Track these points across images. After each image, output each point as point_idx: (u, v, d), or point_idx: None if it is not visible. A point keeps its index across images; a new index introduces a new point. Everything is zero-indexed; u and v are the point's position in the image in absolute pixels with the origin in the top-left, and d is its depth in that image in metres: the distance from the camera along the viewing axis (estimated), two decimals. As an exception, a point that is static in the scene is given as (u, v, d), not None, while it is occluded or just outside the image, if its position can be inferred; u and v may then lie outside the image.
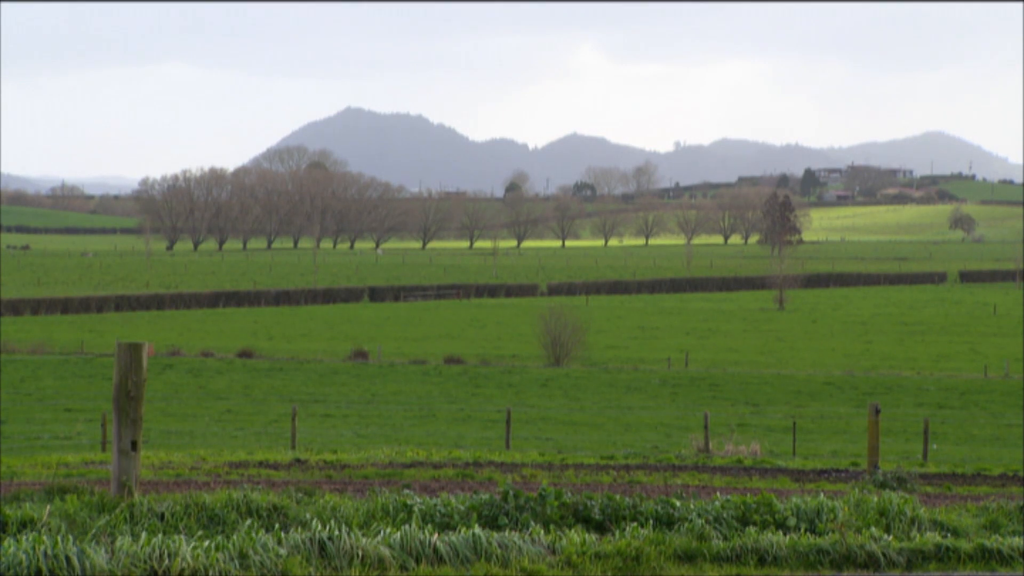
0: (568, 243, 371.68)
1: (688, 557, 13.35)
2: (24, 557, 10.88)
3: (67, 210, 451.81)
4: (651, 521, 14.35)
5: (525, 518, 13.93)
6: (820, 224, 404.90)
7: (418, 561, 12.22)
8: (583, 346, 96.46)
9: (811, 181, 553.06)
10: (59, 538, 11.39)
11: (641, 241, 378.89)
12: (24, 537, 11.51)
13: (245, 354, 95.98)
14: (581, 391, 76.12)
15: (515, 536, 12.95)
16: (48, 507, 13.19)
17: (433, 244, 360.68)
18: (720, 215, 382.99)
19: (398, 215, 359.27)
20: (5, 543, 11.24)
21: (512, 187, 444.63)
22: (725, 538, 13.96)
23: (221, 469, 25.47)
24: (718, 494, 16.69)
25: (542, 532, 13.37)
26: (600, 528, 14.22)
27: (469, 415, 63.72)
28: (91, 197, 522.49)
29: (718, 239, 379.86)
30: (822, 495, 16.25)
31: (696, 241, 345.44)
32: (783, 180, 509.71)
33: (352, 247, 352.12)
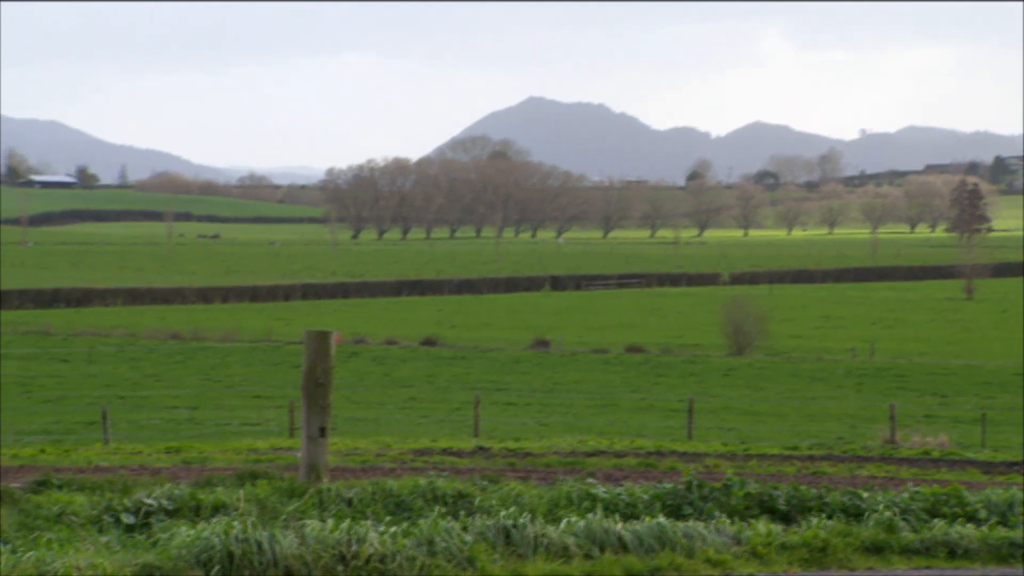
0: (751, 232, 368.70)
1: (876, 549, 13.17)
2: (217, 541, 11.09)
3: (255, 200, 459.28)
4: (838, 512, 14.18)
5: (709, 508, 13.85)
6: (1010, 213, 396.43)
7: (602, 550, 12.21)
8: (766, 335, 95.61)
9: (1001, 169, 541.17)
10: (250, 523, 11.58)
11: (825, 230, 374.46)
12: (217, 521, 11.73)
13: (428, 342, 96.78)
14: (764, 381, 75.49)
15: (700, 526, 12.89)
16: (240, 492, 13.43)
17: (614, 233, 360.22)
18: (906, 203, 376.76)
19: (579, 204, 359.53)
20: (199, 527, 11.48)
21: (694, 176, 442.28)
22: (914, 530, 13.75)
23: (406, 456, 25.72)
24: (909, 484, 16.44)
25: (727, 522, 13.29)
26: (785, 519, 14.09)
27: (651, 404, 63.55)
28: (279, 187, 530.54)
29: (904, 228, 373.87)
30: (1014, 488, 15.93)
31: (881, 230, 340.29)
32: (972, 168, 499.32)
33: (534, 236, 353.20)
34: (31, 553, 10.79)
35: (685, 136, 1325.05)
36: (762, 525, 13.28)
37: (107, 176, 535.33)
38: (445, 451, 27.24)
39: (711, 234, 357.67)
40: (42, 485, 14.34)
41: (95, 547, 11.31)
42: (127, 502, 12.87)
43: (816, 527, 13.42)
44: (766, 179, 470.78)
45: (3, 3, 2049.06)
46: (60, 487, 14.23)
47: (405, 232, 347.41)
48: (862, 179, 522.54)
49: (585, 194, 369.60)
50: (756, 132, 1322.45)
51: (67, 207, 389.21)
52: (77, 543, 11.38)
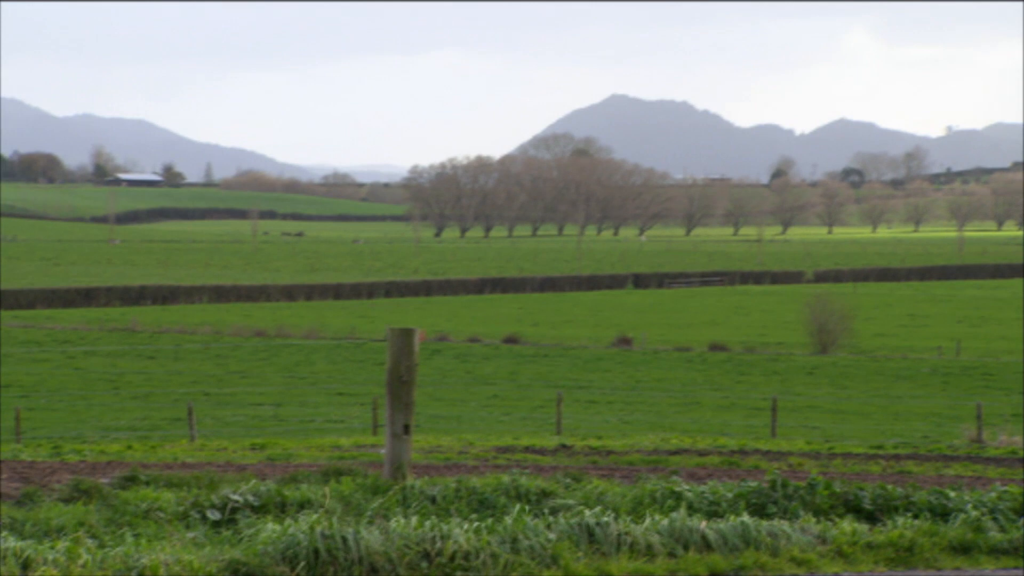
0: (835, 230, 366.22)
1: (963, 549, 13.06)
2: (302, 537, 11.16)
3: (339, 198, 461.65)
4: (924, 512, 14.07)
5: (794, 507, 13.79)
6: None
7: (686, 548, 12.19)
8: (850, 334, 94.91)
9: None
10: (335, 519, 11.65)
11: (910, 228, 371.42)
12: (302, 518, 11.80)
13: (511, 340, 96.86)
14: (848, 379, 74.98)
15: (784, 525, 12.82)
16: (325, 489, 13.51)
17: (697, 231, 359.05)
18: (993, 201, 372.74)
19: (662, 202, 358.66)
20: (285, 523, 11.56)
21: (777, 173, 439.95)
22: (1002, 530, 13.62)
23: (488, 453, 25.75)
24: (996, 483, 16.28)
25: (812, 521, 13.23)
26: (871, 518, 14.00)
27: (733, 403, 63.30)
28: (362, 185, 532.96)
29: (991, 226, 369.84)
30: (1104, 488, 15.73)
31: (968, 228, 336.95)
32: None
33: (616, 234, 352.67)
34: (119, 548, 10.90)
35: (769, 133, 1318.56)
36: (847, 524, 13.20)
37: (193, 174, 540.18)
38: (527, 449, 27.26)
39: (795, 232, 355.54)
40: (130, 481, 14.49)
41: (182, 543, 11.41)
42: (213, 498, 12.99)
43: (902, 527, 13.32)
44: (851, 177, 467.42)
45: (93, 4, 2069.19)
46: (147, 483, 14.37)
47: (487, 230, 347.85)
48: (948, 176, 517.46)
49: (668, 192, 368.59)
50: (841, 129, 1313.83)
51: (154, 205, 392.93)
52: (164, 539, 11.49)
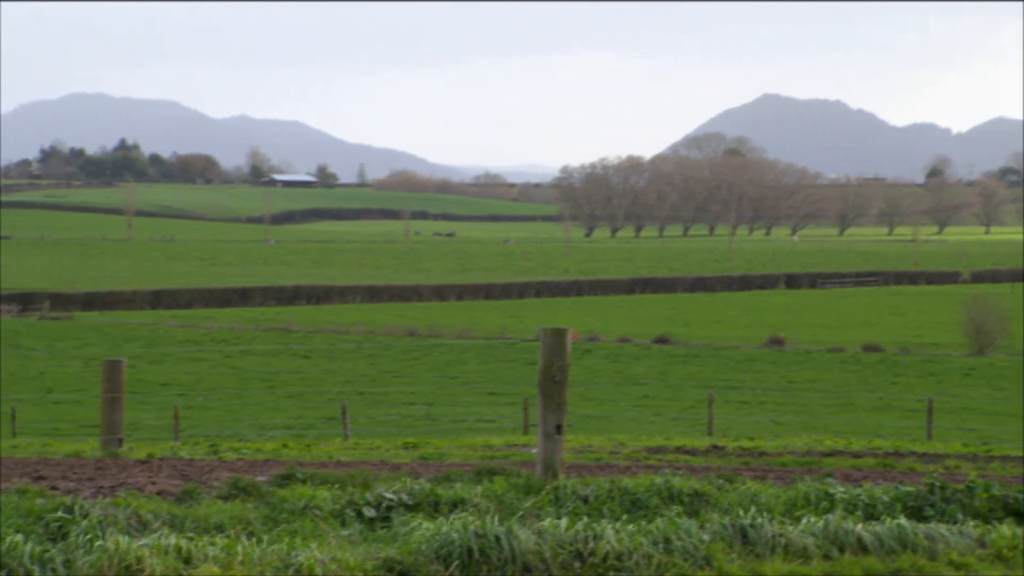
0: (992, 230, 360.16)
1: None
2: (456, 536, 11.22)
3: (490, 198, 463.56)
4: (1086, 517, 13.79)
5: (952, 510, 13.59)
6: None
7: (842, 551, 12.06)
8: (1008, 335, 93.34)
9: None
10: (488, 518, 11.70)
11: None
12: (456, 517, 11.87)
13: (661, 340, 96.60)
14: (1006, 381, 73.75)
15: (941, 528, 12.64)
16: (478, 488, 13.57)
17: (851, 231, 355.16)
18: None
19: (815, 202, 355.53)
20: (438, 522, 11.64)
21: (933, 172, 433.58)
22: None
23: (639, 454, 25.69)
24: None
25: (971, 525, 13.02)
26: (1031, 523, 13.75)
27: (888, 404, 62.58)
28: (513, 185, 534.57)
29: None
30: None
31: None
32: None
33: (768, 234, 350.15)
34: (276, 545, 11.05)
35: (924, 132, 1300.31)
36: (1007, 528, 12.98)
37: (346, 175, 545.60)
38: (679, 449, 27.15)
39: (951, 232, 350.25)
40: (286, 479, 14.68)
41: (337, 541, 11.54)
42: (368, 496, 13.11)
43: (1064, 531, 13.07)
44: (1009, 176, 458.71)
45: (249, 5, 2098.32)
46: (303, 481, 14.55)
47: (638, 230, 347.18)
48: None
49: (821, 192, 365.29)
50: (999, 128, 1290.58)
51: (308, 206, 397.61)
52: (320, 536, 11.63)
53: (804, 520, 12.50)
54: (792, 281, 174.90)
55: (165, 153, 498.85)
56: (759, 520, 12.25)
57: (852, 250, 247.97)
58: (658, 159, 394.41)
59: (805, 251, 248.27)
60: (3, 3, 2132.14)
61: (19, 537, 10.74)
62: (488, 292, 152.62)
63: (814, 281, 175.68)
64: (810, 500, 13.69)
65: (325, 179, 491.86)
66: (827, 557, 11.94)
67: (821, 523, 12.36)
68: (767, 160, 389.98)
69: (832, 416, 58.13)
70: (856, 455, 25.98)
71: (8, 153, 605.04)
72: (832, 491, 13.87)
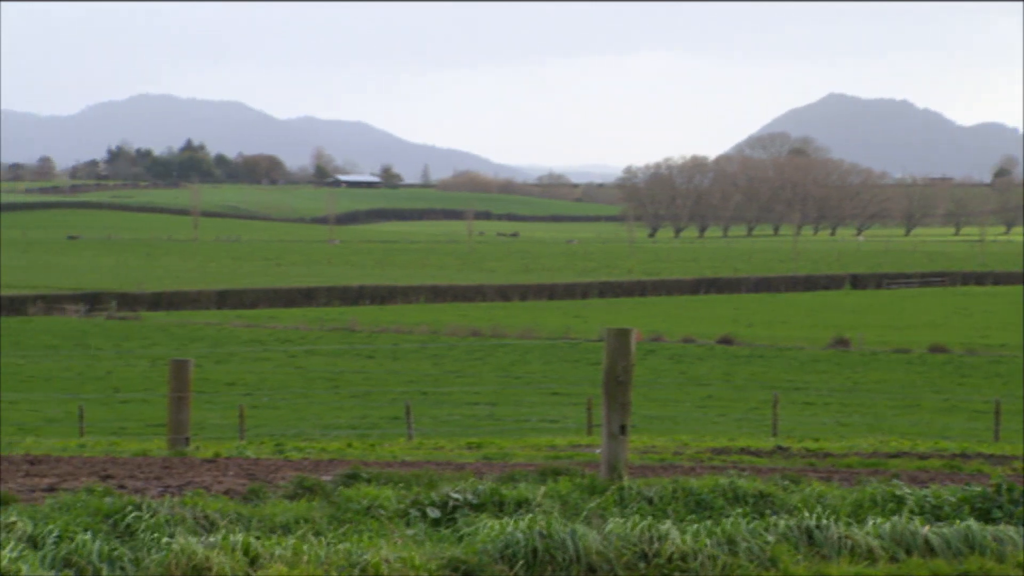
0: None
1: None
2: (520, 536, 11.24)
3: (553, 198, 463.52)
4: None
5: (1020, 512, 13.48)
6: None
7: (908, 553, 12.00)
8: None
9: None
10: (552, 519, 11.71)
11: None
12: (520, 517, 11.89)
13: (725, 341, 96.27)
14: (1075, 382, 73.02)
15: (1010, 530, 12.55)
16: (542, 488, 13.58)
17: (917, 231, 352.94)
18: None
19: (880, 202, 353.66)
20: (503, 522, 11.66)
21: (1001, 172, 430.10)
22: None
23: (703, 455, 25.62)
24: None
25: (1039, 527, 12.91)
26: (1101, 525, 13.63)
27: (954, 405, 62.14)
28: (576, 185, 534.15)
29: None
30: None
31: None
32: None
33: (833, 234, 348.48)
34: (342, 545, 11.10)
35: (992, 132, 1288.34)
36: (1076, 531, 12.88)
37: (410, 175, 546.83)
38: (743, 450, 27.06)
39: (1019, 232, 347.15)
40: (351, 479, 14.74)
41: (402, 540, 11.58)
42: (433, 496, 13.14)
43: None
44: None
45: (314, 6, 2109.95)
46: (368, 481, 14.60)
47: (702, 230, 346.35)
48: None
49: (886, 192, 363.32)
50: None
51: (372, 206, 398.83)
52: (385, 536, 11.67)
53: (870, 522, 12.45)
54: (857, 281, 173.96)
55: (231, 154, 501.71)
56: (825, 521, 12.21)
57: (918, 250, 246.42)
58: (722, 159, 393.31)
59: (870, 251, 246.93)
60: (72, 4, 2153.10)
61: (88, 535, 10.84)
62: (551, 292, 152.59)
63: (880, 281, 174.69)
64: (876, 501, 13.62)
65: (389, 179, 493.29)
66: (894, 559, 11.88)
67: (888, 525, 12.30)
68: (832, 160, 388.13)
69: (897, 417, 57.79)
70: (922, 456, 25.82)
71: (76, 154, 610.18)
72: (899, 492, 13.79)
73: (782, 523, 12.18)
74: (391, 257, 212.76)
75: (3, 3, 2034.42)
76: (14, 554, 10.21)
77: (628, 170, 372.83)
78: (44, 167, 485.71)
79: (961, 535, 12.27)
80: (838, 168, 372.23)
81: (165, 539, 10.86)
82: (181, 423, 22.48)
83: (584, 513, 12.60)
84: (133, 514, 11.71)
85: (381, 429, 48.90)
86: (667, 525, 11.70)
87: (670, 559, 11.26)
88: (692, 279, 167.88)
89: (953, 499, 13.73)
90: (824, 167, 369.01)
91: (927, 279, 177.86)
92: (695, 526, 11.82)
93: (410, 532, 12.09)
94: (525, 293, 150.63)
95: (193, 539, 10.80)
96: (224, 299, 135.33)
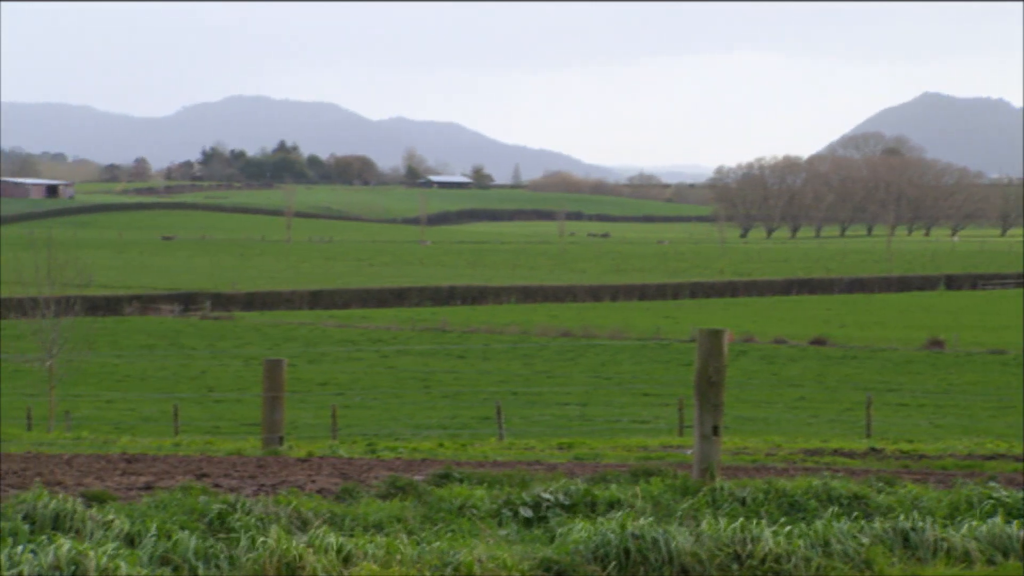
0: None
1: None
2: (613, 537, 11.23)
3: (644, 199, 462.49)
4: None
5: (1120, 516, 13.33)
6: None
7: (1006, 556, 11.88)
8: None
9: None
10: (644, 519, 11.70)
11: None
12: (612, 517, 11.88)
13: (818, 342, 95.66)
14: None
15: (1109, 534, 12.40)
16: (634, 489, 13.57)
17: (1013, 231, 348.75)
18: None
19: (976, 202, 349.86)
20: (595, 522, 11.66)
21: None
22: None
23: (796, 456, 25.47)
24: None
25: None
26: None
27: (1052, 407, 61.33)
28: (667, 186, 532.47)
29: None
30: None
31: None
32: None
33: (927, 234, 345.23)
34: (435, 544, 11.15)
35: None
36: None
37: (501, 176, 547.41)
38: (836, 452, 26.86)
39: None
40: (444, 479, 14.79)
41: (495, 540, 11.60)
42: (525, 496, 13.16)
43: None
44: None
45: (407, 5, 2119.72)
46: (460, 480, 14.65)
47: (794, 230, 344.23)
48: None
49: (982, 191, 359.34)
50: None
51: (463, 206, 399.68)
52: (477, 536, 11.70)
53: (966, 524, 12.34)
54: (952, 282, 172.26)
55: (323, 155, 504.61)
56: (920, 524, 12.11)
57: (1014, 251, 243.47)
58: (815, 159, 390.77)
59: (965, 252, 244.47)
60: (168, 6, 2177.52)
61: (184, 533, 10.96)
62: (642, 293, 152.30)
63: (975, 282, 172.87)
64: (972, 504, 13.49)
65: (480, 180, 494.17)
66: (990, 562, 11.76)
67: (984, 527, 12.18)
68: (926, 160, 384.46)
69: (993, 419, 57.16)
70: (1019, 459, 25.53)
71: (171, 155, 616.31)
72: (995, 495, 13.66)
73: (876, 525, 12.10)
74: (482, 258, 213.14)
75: (99, 5, 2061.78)
76: (112, 552, 10.33)
77: (720, 170, 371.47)
78: (139, 168, 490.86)
79: (1059, 539, 12.14)
80: (932, 168, 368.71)
81: (260, 538, 10.95)
82: (275, 422, 22.63)
83: (677, 514, 12.58)
84: (228, 512, 11.83)
85: (472, 429, 49.04)
86: (760, 526, 11.65)
87: (763, 560, 11.21)
88: (784, 280, 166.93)
89: (1051, 502, 13.58)
90: (918, 167, 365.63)
91: (1023, 280, 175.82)
92: (788, 527, 11.77)
93: (502, 532, 12.11)
94: (616, 294, 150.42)
95: (287, 538, 10.88)
96: (317, 299, 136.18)
